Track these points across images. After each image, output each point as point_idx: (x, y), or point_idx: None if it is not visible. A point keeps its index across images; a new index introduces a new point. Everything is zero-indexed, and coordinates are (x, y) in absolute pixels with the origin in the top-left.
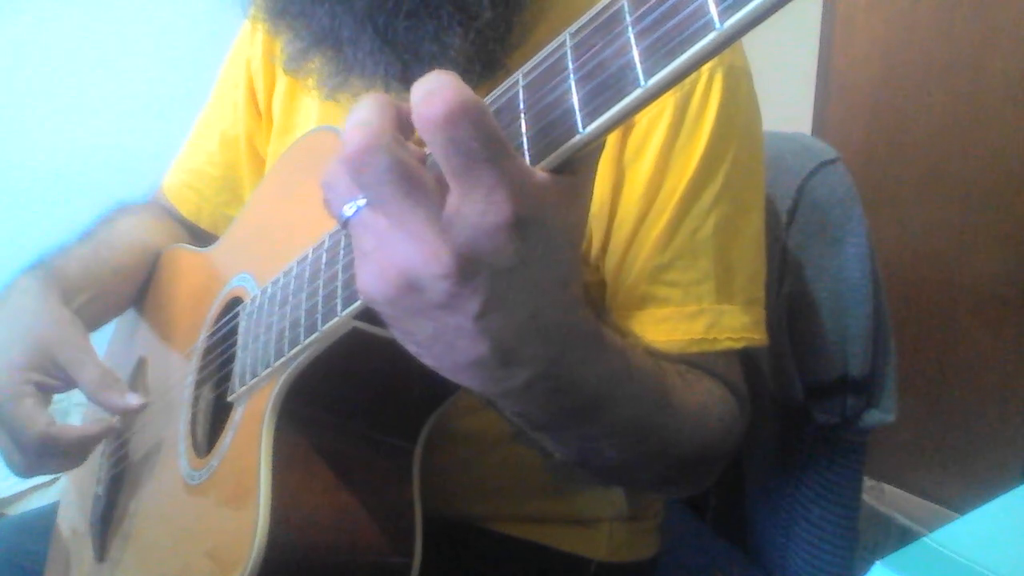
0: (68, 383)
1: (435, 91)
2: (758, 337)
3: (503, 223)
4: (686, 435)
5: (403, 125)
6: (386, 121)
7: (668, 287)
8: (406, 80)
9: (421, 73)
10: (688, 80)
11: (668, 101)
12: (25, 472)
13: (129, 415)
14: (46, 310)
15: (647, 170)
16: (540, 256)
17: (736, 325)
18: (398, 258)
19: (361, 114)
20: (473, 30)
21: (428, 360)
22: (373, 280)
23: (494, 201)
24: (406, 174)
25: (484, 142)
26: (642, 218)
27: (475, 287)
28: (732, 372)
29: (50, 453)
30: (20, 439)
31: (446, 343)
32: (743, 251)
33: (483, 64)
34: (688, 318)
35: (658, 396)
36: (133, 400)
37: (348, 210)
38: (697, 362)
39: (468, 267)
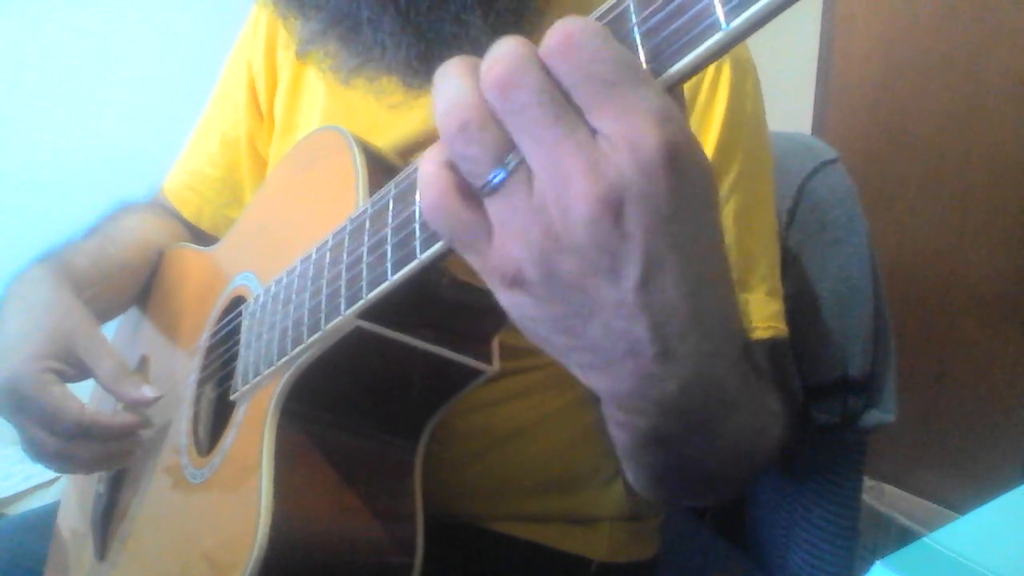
0: (83, 373)
1: (561, 24)
2: (782, 327)
3: (656, 151)
4: (774, 436)
5: None
6: (528, 46)
7: None
8: (427, 60)
9: (443, 54)
10: None
11: None
12: (54, 460)
13: (138, 410)
14: (59, 300)
15: None
16: (696, 209)
17: (765, 314)
18: (553, 210)
19: (499, 48)
20: (493, 12)
21: (578, 356)
22: (521, 249)
23: (640, 128)
24: (558, 95)
25: (614, 64)
26: None
27: (631, 242)
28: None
29: (85, 437)
30: (54, 425)
31: (603, 325)
32: (760, 241)
33: None
34: None
35: (761, 397)
36: (148, 392)
37: (496, 176)
38: None
39: (619, 209)
